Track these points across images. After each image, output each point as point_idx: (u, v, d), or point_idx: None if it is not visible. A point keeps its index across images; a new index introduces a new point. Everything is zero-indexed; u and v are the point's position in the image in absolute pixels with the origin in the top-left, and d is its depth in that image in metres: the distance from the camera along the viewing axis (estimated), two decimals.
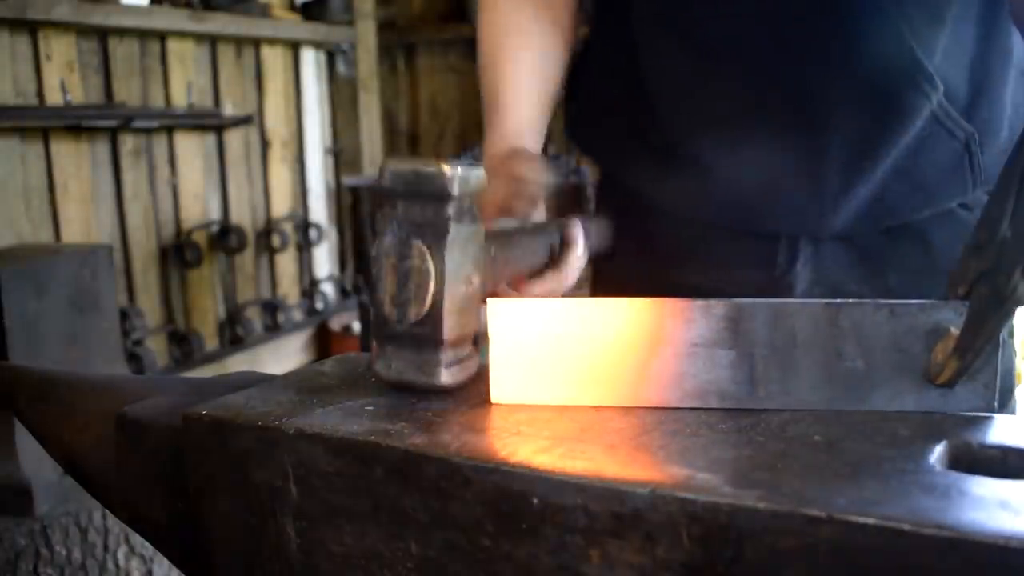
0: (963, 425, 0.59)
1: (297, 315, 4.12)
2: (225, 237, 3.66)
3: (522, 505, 0.54)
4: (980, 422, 0.59)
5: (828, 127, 0.86)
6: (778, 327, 0.63)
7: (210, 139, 3.66)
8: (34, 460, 1.69)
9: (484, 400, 0.68)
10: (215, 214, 3.69)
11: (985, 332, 0.57)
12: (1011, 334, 1.04)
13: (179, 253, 3.49)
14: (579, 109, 1.06)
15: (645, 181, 0.99)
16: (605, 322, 0.65)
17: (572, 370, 0.66)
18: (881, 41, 0.82)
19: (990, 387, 0.61)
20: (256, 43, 3.83)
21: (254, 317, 3.87)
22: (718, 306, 0.64)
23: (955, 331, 0.59)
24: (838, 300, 0.64)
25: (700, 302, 0.65)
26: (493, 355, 0.67)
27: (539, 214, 0.85)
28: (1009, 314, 0.57)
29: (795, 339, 0.63)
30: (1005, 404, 0.93)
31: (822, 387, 0.63)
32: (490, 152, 0.90)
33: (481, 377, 0.71)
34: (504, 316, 0.67)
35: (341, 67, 4.38)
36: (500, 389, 0.67)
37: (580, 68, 1.04)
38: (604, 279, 1.08)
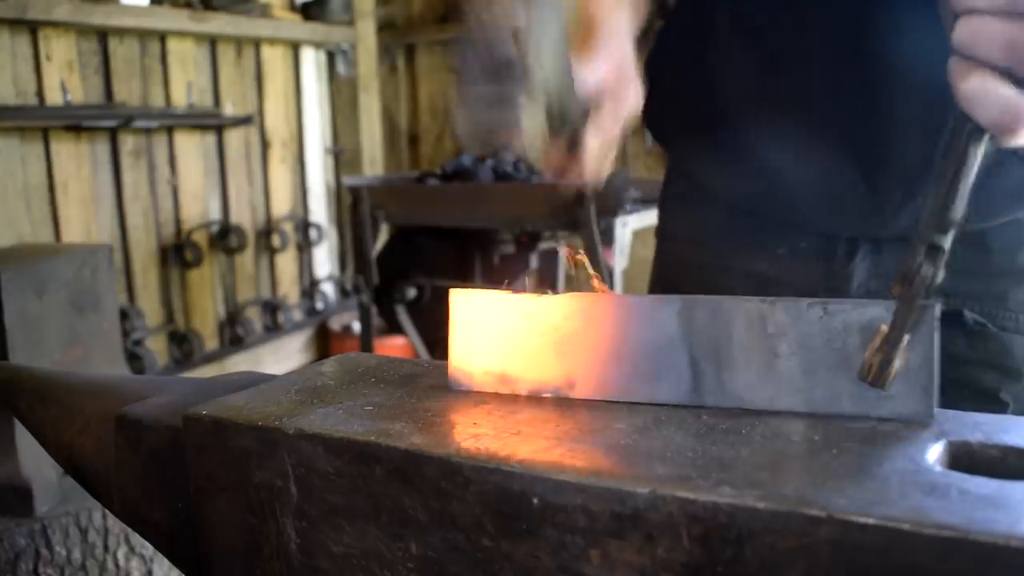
0: (963, 425, 0.59)
1: (297, 315, 4.12)
2: (225, 237, 3.66)
3: (522, 505, 0.54)
4: (980, 422, 0.59)
5: (892, 145, 0.86)
6: (716, 324, 0.64)
7: (210, 139, 3.66)
8: (34, 460, 1.69)
9: (484, 399, 0.68)
10: (215, 214, 3.69)
11: (898, 320, 0.57)
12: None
13: (179, 253, 3.49)
14: (652, 96, 1.08)
15: (710, 172, 1.01)
16: (556, 316, 0.68)
17: (525, 361, 0.69)
18: (947, 64, 0.82)
19: (928, 391, 0.59)
20: (256, 43, 3.84)
21: (254, 317, 3.88)
22: (662, 302, 0.65)
23: (884, 328, 0.59)
24: (772, 297, 0.63)
25: (646, 297, 0.66)
26: (453, 344, 0.71)
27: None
28: (916, 297, 0.56)
29: (731, 336, 0.64)
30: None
31: (760, 386, 0.63)
32: (593, 75, 0.84)
33: None
34: (466, 307, 0.70)
35: (341, 67, 4.38)
36: (458, 377, 0.71)
37: (657, 56, 1.06)
38: (666, 262, 1.10)
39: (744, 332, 0.63)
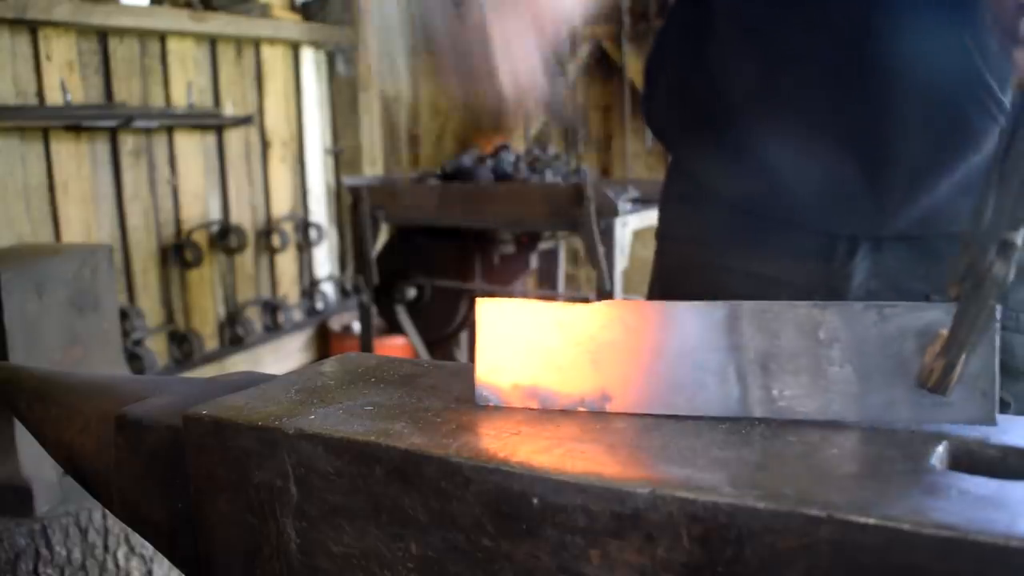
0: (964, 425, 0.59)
1: (297, 315, 4.12)
2: (225, 237, 3.66)
3: (522, 505, 0.54)
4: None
5: (894, 142, 0.87)
6: (763, 330, 0.61)
7: (210, 139, 3.66)
8: (34, 460, 1.69)
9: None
10: (215, 214, 3.69)
11: (968, 321, 0.55)
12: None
13: (179, 253, 3.49)
14: (654, 94, 1.07)
15: (711, 172, 1.01)
16: (593, 325, 0.64)
17: (559, 373, 0.65)
18: (950, 64, 0.83)
19: (988, 395, 0.58)
20: (256, 43, 3.84)
21: (254, 317, 3.88)
22: (706, 308, 0.62)
23: (944, 332, 0.57)
24: (823, 302, 0.61)
25: (689, 304, 0.63)
26: (480, 357, 0.66)
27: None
28: (988, 297, 0.55)
29: (780, 344, 0.61)
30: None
31: (811, 395, 0.61)
32: None
33: None
34: (492, 317, 0.66)
35: (341, 67, 4.38)
36: (485, 393, 0.66)
37: (658, 52, 1.06)
38: (667, 262, 1.10)
39: (794, 339, 0.60)
